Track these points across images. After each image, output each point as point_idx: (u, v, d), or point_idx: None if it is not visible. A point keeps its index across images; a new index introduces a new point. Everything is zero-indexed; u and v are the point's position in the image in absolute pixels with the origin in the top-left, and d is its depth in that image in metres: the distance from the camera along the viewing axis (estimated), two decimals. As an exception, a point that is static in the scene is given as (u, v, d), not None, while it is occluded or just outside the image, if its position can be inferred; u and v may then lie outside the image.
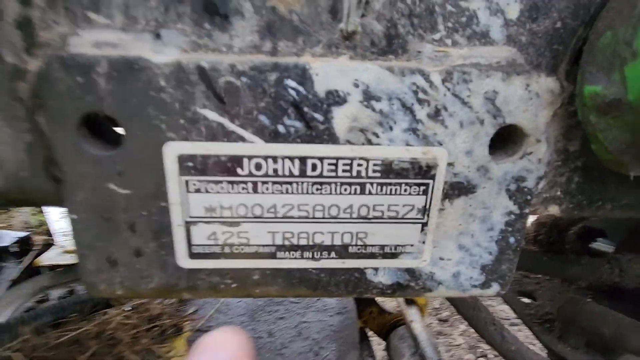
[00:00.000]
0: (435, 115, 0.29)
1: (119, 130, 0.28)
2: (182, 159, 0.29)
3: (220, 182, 0.30)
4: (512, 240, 0.34)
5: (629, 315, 0.66)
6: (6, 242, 1.17)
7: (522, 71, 0.28)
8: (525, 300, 0.83)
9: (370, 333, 1.31)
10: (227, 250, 0.32)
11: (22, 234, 1.21)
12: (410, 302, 1.20)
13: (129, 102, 0.27)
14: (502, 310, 1.64)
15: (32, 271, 1.09)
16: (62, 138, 0.27)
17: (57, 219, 1.35)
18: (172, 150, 0.28)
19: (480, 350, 1.36)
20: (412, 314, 1.14)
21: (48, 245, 1.20)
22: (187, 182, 0.29)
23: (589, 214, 0.36)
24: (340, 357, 0.78)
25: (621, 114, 0.25)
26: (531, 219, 1.51)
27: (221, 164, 0.29)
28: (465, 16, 0.28)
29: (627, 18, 0.23)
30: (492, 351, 1.43)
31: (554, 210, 0.35)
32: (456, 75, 0.28)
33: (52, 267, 1.08)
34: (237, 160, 0.29)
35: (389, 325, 1.24)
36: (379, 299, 1.30)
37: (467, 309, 0.55)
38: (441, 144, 0.29)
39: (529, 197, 0.32)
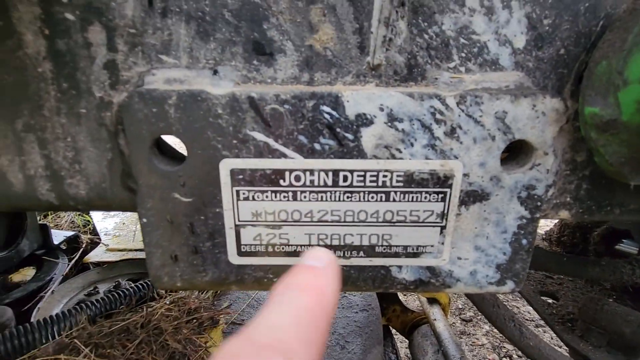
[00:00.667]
0: (451, 133, 0.33)
1: (182, 149, 0.34)
2: (234, 173, 0.34)
3: (265, 191, 0.35)
4: (524, 241, 0.37)
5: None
6: (57, 240, 1.28)
7: (529, 93, 0.32)
8: (548, 300, 0.85)
9: (393, 331, 1.34)
10: (270, 249, 0.37)
11: (71, 233, 1.33)
12: (433, 301, 1.22)
13: (192, 127, 0.32)
14: (528, 312, 1.63)
15: (81, 267, 1.20)
16: (138, 156, 0.33)
17: (100, 219, 1.46)
18: (226, 166, 0.34)
19: (505, 350, 1.37)
20: (434, 312, 1.16)
21: (94, 243, 1.31)
22: (237, 191, 0.35)
23: (599, 218, 0.39)
24: (365, 351, 0.82)
25: (618, 132, 0.28)
26: (555, 220, 1.49)
27: (266, 177, 0.34)
28: (477, 47, 0.32)
29: (619, 50, 0.27)
30: (517, 352, 1.44)
31: (564, 215, 0.38)
32: (469, 99, 0.32)
33: (99, 264, 1.17)
34: (279, 173, 0.34)
35: (412, 324, 1.27)
36: (402, 298, 1.33)
37: (487, 306, 0.58)
38: (457, 157, 0.34)
39: (539, 204, 0.35)
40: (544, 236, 1.08)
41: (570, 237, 0.97)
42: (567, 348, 0.80)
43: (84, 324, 0.79)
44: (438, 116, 0.32)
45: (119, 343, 0.77)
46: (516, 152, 0.35)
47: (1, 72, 0.32)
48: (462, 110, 0.32)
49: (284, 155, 0.33)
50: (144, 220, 0.36)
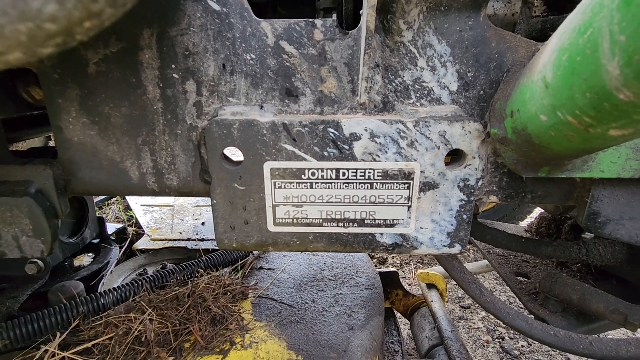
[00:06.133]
0: (411, 144, 0.51)
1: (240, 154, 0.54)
2: (273, 170, 0.53)
3: (292, 182, 0.54)
4: (465, 216, 0.55)
5: (613, 293, 0.82)
6: (109, 232, 1.51)
7: (460, 119, 0.50)
8: (521, 279, 1.01)
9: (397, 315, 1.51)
10: (294, 221, 0.57)
11: (119, 225, 1.56)
12: (431, 286, 1.39)
13: (247, 142, 0.52)
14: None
15: (130, 254, 1.42)
16: (213, 160, 0.53)
17: (141, 214, 1.69)
18: (268, 166, 0.53)
19: (498, 332, 1.52)
20: (432, 295, 1.34)
21: (139, 235, 1.53)
22: (274, 182, 0.54)
23: (518, 202, 0.56)
24: (368, 319, 1.00)
25: (508, 144, 0.46)
26: (535, 214, 1.64)
27: (293, 173, 0.53)
28: (426, 90, 0.51)
29: (505, 97, 0.45)
30: (509, 334, 1.58)
31: (493, 199, 0.56)
32: (422, 123, 0.50)
33: (145, 251, 1.39)
34: (301, 171, 0.53)
35: (413, 307, 1.44)
36: (405, 284, 1.50)
37: (456, 272, 0.75)
38: (416, 160, 0.52)
39: (472, 190, 0.53)
40: (525, 228, 1.24)
41: (546, 228, 1.13)
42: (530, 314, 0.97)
43: (145, 291, 1.00)
44: (402, 134, 0.51)
45: (172, 307, 0.97)
46: (455, 157, 0.54)
47: (132, 109, 0.53)
48: (418, 130, 0.50)
49: (304, 159, 0.53)
50: (214, 201, 0.56)
